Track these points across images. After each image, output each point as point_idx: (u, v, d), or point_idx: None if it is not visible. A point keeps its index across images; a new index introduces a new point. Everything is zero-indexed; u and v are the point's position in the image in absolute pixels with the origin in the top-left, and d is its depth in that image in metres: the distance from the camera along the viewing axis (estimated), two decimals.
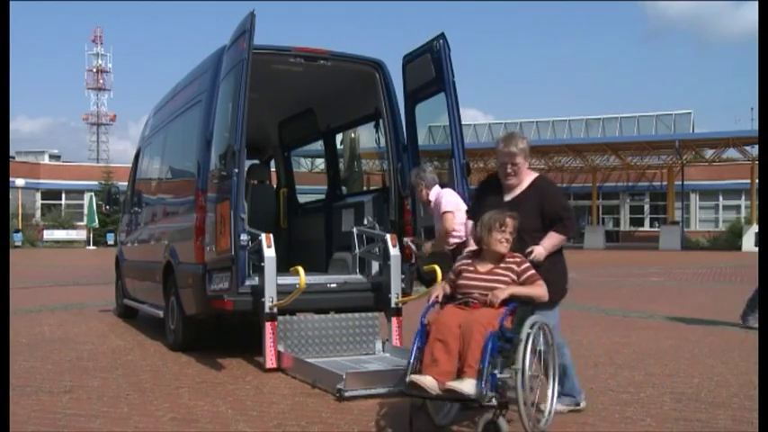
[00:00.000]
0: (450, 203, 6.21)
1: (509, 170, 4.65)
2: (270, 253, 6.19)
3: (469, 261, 4.43)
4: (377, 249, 6.96)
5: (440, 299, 4.35)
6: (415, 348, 4.04)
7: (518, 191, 4.70)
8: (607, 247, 38.18)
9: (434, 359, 3.92)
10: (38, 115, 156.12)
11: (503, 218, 4.33)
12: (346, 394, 5.12)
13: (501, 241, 4.31)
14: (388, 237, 6.69)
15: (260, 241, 6.23)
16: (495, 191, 4.77)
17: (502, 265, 4.34)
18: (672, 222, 38.23)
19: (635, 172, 43.26)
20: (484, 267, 4.35)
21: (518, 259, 4.36)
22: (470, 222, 4.79)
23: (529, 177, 4.74)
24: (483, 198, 4.82)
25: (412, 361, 4.01)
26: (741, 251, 32.59)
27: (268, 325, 6.11)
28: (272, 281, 6.17)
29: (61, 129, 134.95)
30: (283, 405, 5.01)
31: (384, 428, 4.45)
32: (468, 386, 3.80)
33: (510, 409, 3.98)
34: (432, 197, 6.42)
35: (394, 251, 6.61)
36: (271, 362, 6.10)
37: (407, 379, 3.96)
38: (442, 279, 6.08)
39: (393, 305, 6.61)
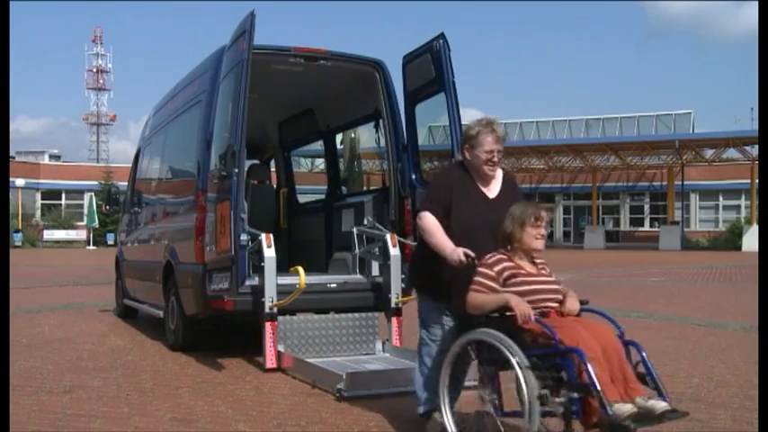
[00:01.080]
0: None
1: (496, 158, 4.11)
2: (270, 253, 6.19)
3: (512, 263, 3.80)
4: (377, 249, 6.96)
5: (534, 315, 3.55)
6: (593, 374, 3.25)
7: (497, 185, 4.22)
8: (607, 247, 38.22)
9: (605, 381, 3.31)
10: (38, 115, 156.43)
11: (537, 211, 3.79)
12: (346, 394, 5.12)
13: (537, 237, 3.78)
14: (388, 236, 6.69)
15: (260, 241, 6.23)
16: (468, 184, 4.17)
17: (539, 264, 3.89)
18: (672, 222, 38.24)
19: (635, 172, 43.26)
20: (531, 268, 3.83)
21: (543, 260, 3.97)
22: (430, 217, 4.07)
23: (498, 170, 4.27)
24: (457, 192, 4.12)
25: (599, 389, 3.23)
26: (741, 251, 32.61)
27: (268, 325, 6.11)
28: (272, 281, 6.17)
29: (62, 129, 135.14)
30: (283, 405, 5.01)
31: (384, 428, 4.44)
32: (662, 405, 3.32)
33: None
34: None
35: (394, 251, 6.61)
36: (271, 362, 6.11)
37: (623, 409, 3.18)
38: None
39: (393, 305, 6.61)
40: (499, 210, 3.96)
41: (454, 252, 3.90)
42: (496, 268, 3.76)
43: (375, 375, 5.56)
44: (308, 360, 6.01)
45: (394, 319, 6.65)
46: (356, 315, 6.61)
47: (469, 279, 3.82)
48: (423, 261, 4.27)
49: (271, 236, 6.30)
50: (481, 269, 3.80)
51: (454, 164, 4.43)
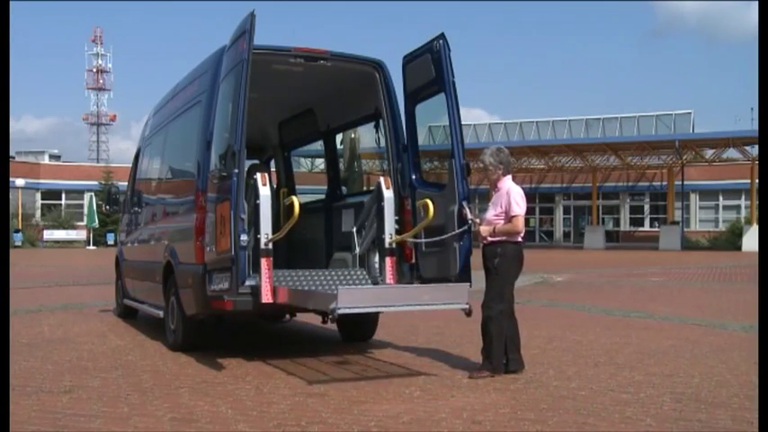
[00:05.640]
0: (522, 207, 6.03)
1: None
2: (265, 191, 6.33)
3: None
4: (374, 244, 6.99)
5: None
6: None
7: None
8: (607, 247, 38.22)
9: None
10: (43, 115, 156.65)
11: None
12: (339, 311, 5.15)
13: None
14: (381, 179, 6.79)
15: (255, 180, 6.34)
16: None
17: None
18: (672, 222, 38.25)
19: (635, 172, 43.26)
20: None
21: None
22: None
23: None
24: None
25: None
26: (741, 251, 32.61)
27: (263, 261, 6.18)
28: (266, 217, 6.29)
29: (65, 129, 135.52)
30: (283, 405, 5.01)
31: (384, 428, 4.44)
32: None
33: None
34: (501, 185, 6.16)
35: (387, 193, 6.75)
36: (266, 296, 6.16)
37: None
38: None
39: (387, 245, 6.73)
40: None
41: None
42: None
43: (369, 292, 5.65)
44: (303, 289, 6.08)
45: (387, 259, 6.77)
46: (348, 271, 6.84)
47: None
48: None
49: (266, 174, 6.44)
50: None
51: None
